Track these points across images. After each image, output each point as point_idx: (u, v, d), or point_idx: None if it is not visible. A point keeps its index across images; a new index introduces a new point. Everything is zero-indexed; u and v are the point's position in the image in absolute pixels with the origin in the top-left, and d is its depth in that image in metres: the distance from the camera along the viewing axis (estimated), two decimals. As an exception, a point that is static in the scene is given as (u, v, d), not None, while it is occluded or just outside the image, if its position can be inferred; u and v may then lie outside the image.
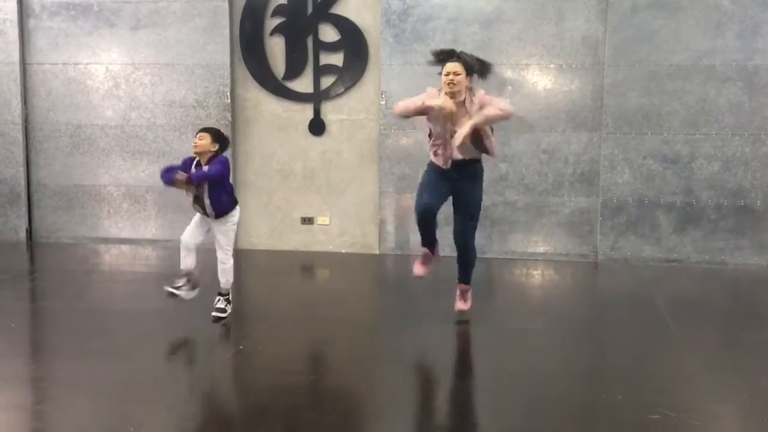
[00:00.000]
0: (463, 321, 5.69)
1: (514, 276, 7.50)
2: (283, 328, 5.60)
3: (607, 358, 5.10)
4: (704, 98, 7.77)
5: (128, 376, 4.52)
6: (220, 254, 5.69)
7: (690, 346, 5.17)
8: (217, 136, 5.63)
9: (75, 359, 4.84)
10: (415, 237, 8.22)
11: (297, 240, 8.71)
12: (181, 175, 5.41)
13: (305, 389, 4.43)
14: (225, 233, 5.68)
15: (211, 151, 5.58)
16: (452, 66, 5.24)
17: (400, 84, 8.18)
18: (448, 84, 5.21)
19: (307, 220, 8.67)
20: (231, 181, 5.76)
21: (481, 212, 5.68)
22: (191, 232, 5.67)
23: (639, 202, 7.97)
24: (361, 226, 8.58)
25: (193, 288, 5.70)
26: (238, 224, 5.84)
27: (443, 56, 5.33)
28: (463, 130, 5.14)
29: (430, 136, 5.48)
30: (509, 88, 8.03)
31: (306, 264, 8.18)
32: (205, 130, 5.66)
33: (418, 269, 5.75)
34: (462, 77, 5.23)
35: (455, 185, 5.47)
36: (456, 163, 5.40)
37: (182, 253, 5.67)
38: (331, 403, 4.22)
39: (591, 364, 4.97)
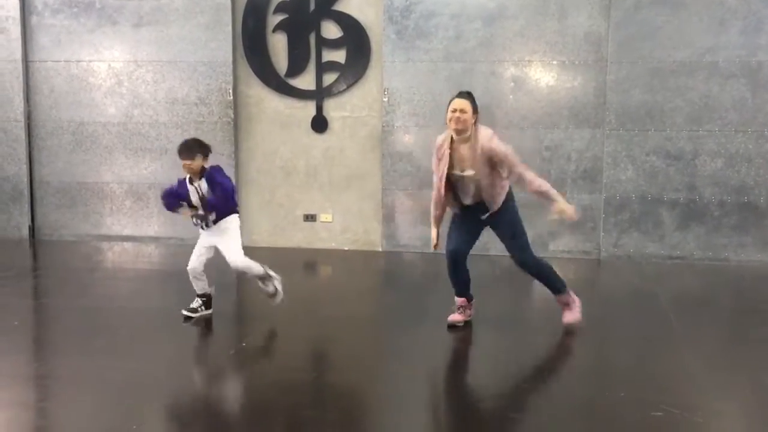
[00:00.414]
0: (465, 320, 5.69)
1: (517, 273, 7.47)
2: (285, 325, 5.60)
3: (610, 355, 5.09)
4: (707, 95, 7.75)
5: (131, 374, 4.52)
6: (235, 263, 5.55)
7: (693, 343, 5.16)
8: (202, 149, 5.46)
9: (78, 356, 4.85)
10: (417, 232, 8.25)
11: (300, 237, 8.71)
12: (195, 212, 5.40)
13: (308, 386, 4.43)
14: (228, 241, 5.55)
15: (202, 166, 5.47)
16: (459, 103, 5.11)
17: (403, 81, 8.18)
18: (455, 121, 5.09)
19: (310, 218, 8.67)
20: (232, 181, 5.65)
21: (522, 224, 5.48)
22: (197, 258, 5.58)
23: (642, 199, 7.95)
24: (363, 223, 8.58)
25: (208, 308, 5.66)
26: (240, 229, 5.70)
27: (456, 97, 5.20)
28: (565, 207, 5.30)
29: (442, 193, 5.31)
30: (512, 85, 8.03)
31: (309, 261, 8.18)
32: (184, 151, 5.42)
33: (452, 317, 5.50)
34: (468, 115, 5.09)
35: (485, 220, 5.33)
36: (472, 205, 5.30)
37: (192, 281, 5.61)
38: (333, 401, 4.22)
39: (594, 361, 4.96)
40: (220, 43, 8.46)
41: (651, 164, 7.90)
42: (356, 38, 8.34)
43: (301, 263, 8.12)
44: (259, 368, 4.79)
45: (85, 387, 4.33)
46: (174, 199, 5.51)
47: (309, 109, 8.53)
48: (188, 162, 5.39)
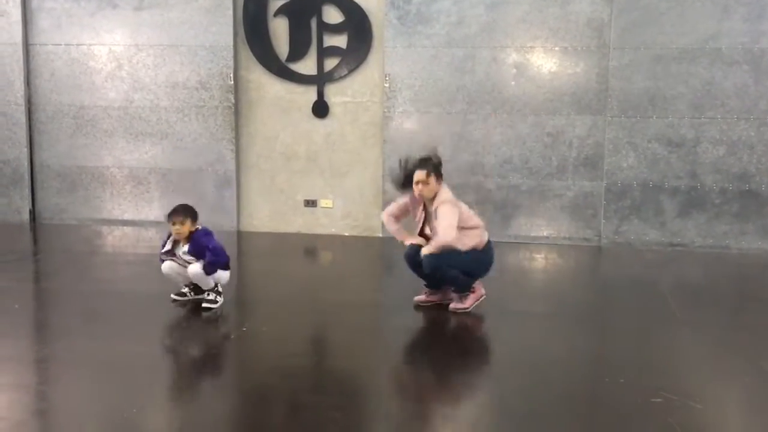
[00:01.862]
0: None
1: (518, 260, 7.49)
2: (285, 311, 5.60)
3: (610, 342, 5.10)
4: (710, 81, 7.73)
5: (131, 357, 4.52)
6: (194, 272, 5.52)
7: (693, 330, 5.17)
8: (192, 214, 5.51)
9: (78, 340, 4.85)
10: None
11: (300, 222, 8.70)
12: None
13: (308, 371, 4.43)
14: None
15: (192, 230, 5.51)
16: (419, 175, 5.36)
17: (404, 66, 8.15)
18: (418, 192, 5.37)
19: (311, 203, 8.66)
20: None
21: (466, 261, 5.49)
22: (170, 265, 5.61)
23: (643, 186, 7.94)
24: (364, 208, 8.57)
25: (197, 293, 5.66)
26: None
27: (413, 168, 5.42)
28: (425, 249, 5.35)
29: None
30: (514, 71, 8.00)
31: (309, 246, 8.18)
32: (178, 213, 5.49)
33: (418, 297, 5.71)
34: (431, 186, 5.34)
35: None
36: None
37: (172, 280, 5.65)
38: (333, 385, 4.22)
39: (594, 347, 4.96)
40: (221, 27, 8.43)
41: (652, 151, 7.89)
42: (358, 23, 8.30)
43: (301, 249, 8.12)
44: (259, 353, 4.79)
45: (86, 370, 4.34)
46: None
47: (310, 94, 8.50)
48: (179, 221, 5.45)
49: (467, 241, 5.40)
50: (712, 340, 5.07)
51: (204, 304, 5.53)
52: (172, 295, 5.65)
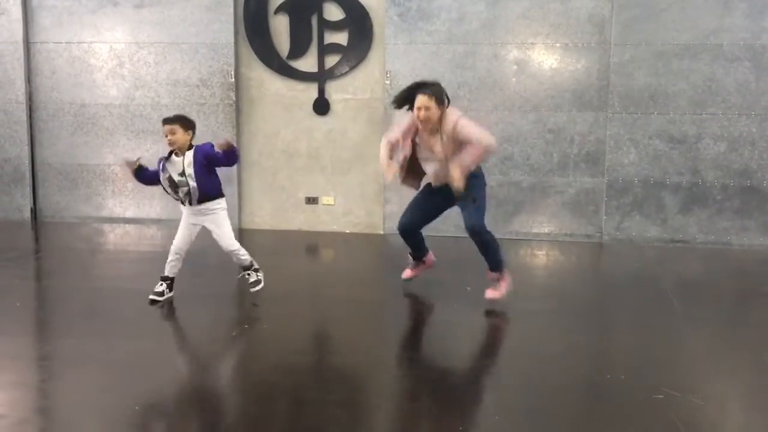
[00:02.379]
0: (466, 301, 5.70)
1: (519, 256, 7.49)
2: (287, 308, 5.60)
3: (612, 339, 5.10)
4: (711, 78, 7.72)
5: (133, 355, 4.53)
6: (227, 246, 5.56)
7: (695, 327, 5.17)
8: (186, 122, 5.39)
9: (80, 337, 4.86)
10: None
11: (301, 220, 8.70)
12: (224, 142, 5.24)
13: (310, 368, 4.44)
14: (219, 224, 5.53)
15: (187, 141, 5.40)
16: (422, 100, 5.20)
17: (405, 63, 8.14)
18: (419, 118, 5.22)
19: (312, 200, 8.66)
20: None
21: (486, 198, 5.53)
22: (183, 237, 5.55)
23: (645, 183, 7.94)
24: (365, 206, 8.57)
25: (171, 291, 5.62)
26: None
27: (411, 90, 5.31)
28: (456, 178, 5.14)
29: (407, 159, 5.46)
30: (515, 67, 7.99)
31: (310, 244, 8.18)
32: (170, 121, 5.36)
33: (405, 273, 5.84)
34: (433, 111, 5.19)
35: (449, 194, 5.41)
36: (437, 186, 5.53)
37: (172, 259, 5.57)
38: (335, 382, 4.23)
39: (595, 344, 4.96)
40: (222, 25, 8.42)
41: (654, 147, 7.88)
42: (358, 20, 8.29)
43: (302, 246, 8.12)
44: (261, 350, 4.80)
45: (88, 368, 4.34)
46: (143, 177, 5.55)
47: (311, 91, 8.50)
48: (170, 129, 5.29)
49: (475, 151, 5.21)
50: (714, 335, 5.07)
51: (252, 289, 5.61)
52: (151, 296, 5.53)
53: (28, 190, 8.96)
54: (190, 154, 5.40)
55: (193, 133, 5.45)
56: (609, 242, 8.04)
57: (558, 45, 7.93)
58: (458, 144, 5.21)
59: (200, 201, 5.46)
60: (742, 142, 7.74)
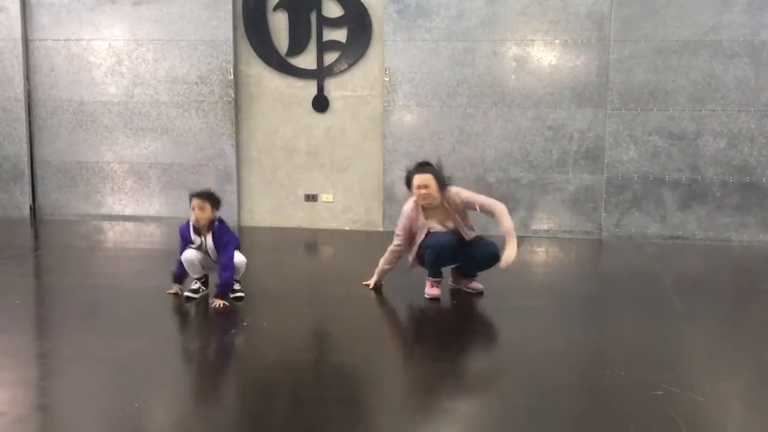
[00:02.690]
0: (466, 298, 5.70)
1: (518, 254, 7.46)
2: (286, 305, 5.60)
3: (611, 335, 5.10)
4: (711, 74, 7.71)
5: (133, 352, 4.53)
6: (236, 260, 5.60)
7: (694, 323, 5.16)
8: (214, 201, 5.51)
9: (80, 335, 4.85)
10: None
11: (301, 217, 8.70)
12: (220, 303, 5.44)
13: (309, 365, 4.43)
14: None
15: (212, 219, 5.51)
16: (421, 179, 5.42)
17: (404, 60, 8.14)
18: (421, 197, 5.45)
19: (311, 197, 8.65)
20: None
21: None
22: (192, 252, 5.59)
23: (644, 179, 7.94)
24: (365, 203, 8.57)
25: (207, 287, 5.68)
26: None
27: (415, 171, 5.54)
28: (512, 254, 5.41)
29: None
30: (514, 64, 7.99)
31: (310, 241, 8.18)
32: (201, 197, 5.48)
33: (432, 291, 5.68)
34: (433, 189, 5.43)
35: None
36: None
37: (188, 268, 5.62)
38: (334, 380, 4.22)
39: (595, 340, 4.96)
40: (221, 22, 8.41)
41: (653, 144, 7.88)
42: (357, 17, 8.28)
43: (302, 243, 8.12)
44: (260, 347, 4.79)
45: (87, 365, 4.34)
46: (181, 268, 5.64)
47: (310, 88, 8.49)
48: (200, 206, 5.43)
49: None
50: (714, 332, 5.07)
51: (234, 294, 5.63)
52: (186, 293, 5.59)
53: (28, 187, 8.96)
54: (210, 238, 5.53)
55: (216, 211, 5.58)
56: (608, 239, 8.04)
57: (557, 42, 7.93)
58: (464, 211, 5.58)
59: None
60: (741, 138, 7.74)
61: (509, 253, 5.41)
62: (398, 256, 5.75)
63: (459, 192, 5.55)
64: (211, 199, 5.51)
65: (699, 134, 7.81)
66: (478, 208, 5.53)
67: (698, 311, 5.49)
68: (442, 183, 5.52)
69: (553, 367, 4.36)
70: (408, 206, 5.61)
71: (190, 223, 5.56)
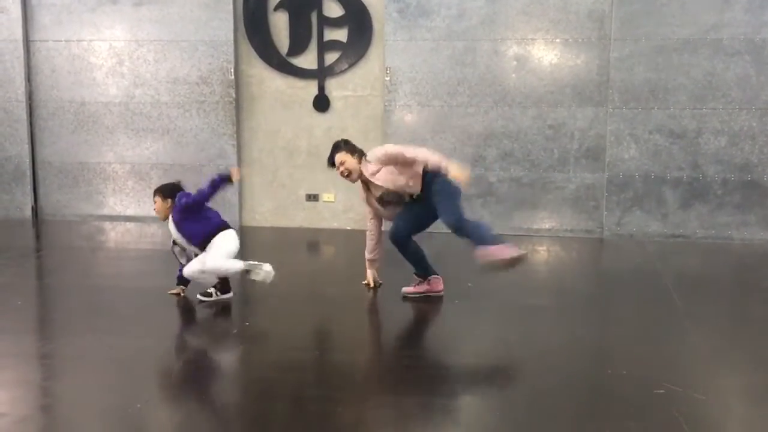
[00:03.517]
0: (467, 297, 5.71)
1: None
2: (288, 305, 5.61)
3: (613, 334, 5.10)
4: (711, 72, 7.71)
5: (135, 353, 4.53)
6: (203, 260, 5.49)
7: (696, 322, 5.16)
8: (165, 192, 5.53)
9: (82, 336, 4.86)
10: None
11: (302, 217, 8.70)
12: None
13: (311, 365, 4.44)
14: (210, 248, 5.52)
15: (169, 208, 5.51)
16: (337, 159, 5.59)
17: (405, 60, 8.14)
18: (342, 175, 5.61)
19: (312, 197, 8.66)
20: (209, 203, 5.58)
21: (453, 195, 5.53)
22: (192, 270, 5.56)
23: (645, 178, 7.93)
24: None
25: (224, 292, 5.62)
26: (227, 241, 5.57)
27: (332, 154, 5.65)
28: (455, 170, 5.33)
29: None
30: (515, 63, 7.98)
31: (311, 241, 8.19)
32: (154, 193, 5.60)
33: (406, 288, 5.74)
34: (350, 164, 5.56)
35: (423, 203, 5.58)
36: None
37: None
38: (336, 379, 4.23)
39: (596, 339, 4.97)
40: (222, 22, 8.41)
41: (654, 142, 7.88)
42: (358, 17, 8.29)
43: (303, 243, 8.12)
44: (262, 347, 4.80)
45: (89, 365, 4.35)
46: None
47: (311, 88, 8.49)
48: (154, 200, 5.57)
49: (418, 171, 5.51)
50: (715, 331, 5.07)
51: (200, 295, 5.56)
52: (198, 296, 5.58)
53: (29, 188, 8.96)
54: (171, 222, 5.55)
55: (172, 200, 5.52)
56: (610, 238, 8.04)
57: (558, 40, 7.92)
58: (391, 167, 5.51)
59: (202, 247, 5.51)
60: (742, 136, 7.74)
61: (455, 172, 5.30)
62: (373, 239, 5.84)
63: (376, 151, 5.57)
64: (160, 191, 5.55)
65: (700, 132, 7.80)
66: (400, 161, 5.45)
67: (699, 310, 5.49)
68: (359, 154, 5.60)
69: (554, 365, 4.36)
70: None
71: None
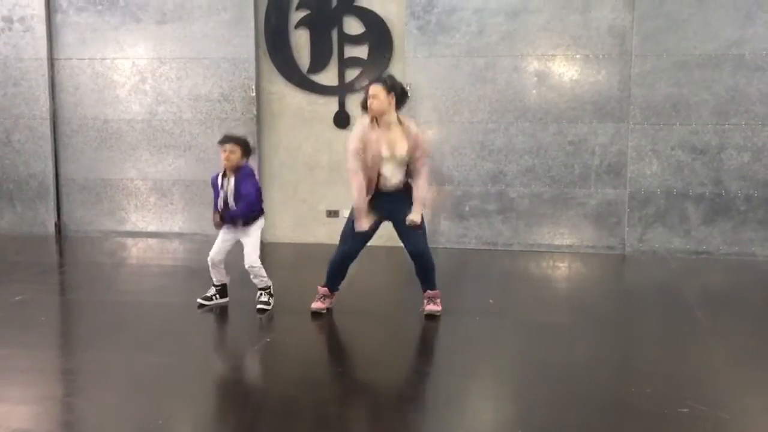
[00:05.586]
0: (488, 314, 5.69)
1: (541, 268, 7.46)
2: (309, 321, 5.61)
3: (636, 351, 5.06)
4: (734, 88, 7.66)
5: (157, 368, 4.55)
6: (251, 263, 5.69)
7: (720, 339, 5.11)
8: (246, 148, 5.66)
9: (104, 351, 4.89)
10: (440, 227, 8.22)
11: (322, 233, 8.71)
12: (218, 220, 5.62)
13: (332, 382, 4.44)
14: (251, 235, 5.72)
15: (239, 162, 5.62)
16: (372, 89, 5.38)
17: (425, 76, 8.16)
18: (371, 103, 5.34)
19: (333, 213, 8.67)
20: (258, 179, 5.76)
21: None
22: (218, 249, 5.73)
23: (667, 194, 7.88)
24: (386, 218, 8.55)
25: (224, 297, 5.84)
26: (262, 229, 5.88)
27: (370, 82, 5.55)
28: (416, 216, 5.47)
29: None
30: (535, 79, 7.98)
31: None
32: (233, 140, 5.63)
33: (317, 305, 5.71)
34: (382, 98, 5.32)
35: (387, 208, 5.56)
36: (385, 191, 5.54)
37: (211, 270, 5.80)
38: (358, 396, 4.22)
39: (619, 357, 4.93)
40: (243, 40, 8.48)
41: (676, 158, 7.83)
42: (378, 34, 8.33)
43: (324, 259, 8.09)
44: (283, 363, 4.80)
45: (112, 381, 4.37)
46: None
47: (331, 104, 8.53)
48: (231, 149, 5.56)
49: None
50: (740, 348, 5.01)
51: (258, 306, 5.69)
52: (198, 300, 5.70)
53: (53, 204, 9.05)
54: (232, 181, 5.64)
55: (247, 158, 5.69)
56: (632, 254, 7.98)
57: (578, 56, 7.91)
58: (412, 149, 5.42)
59: (245, 224, 5.68)
60: (765, 152, 7.67)
61: (414, 217, 5.45)
62: (365, 181, 5.44)
63: (418, 126, 5.55)
64: (243, 145, 5.65)
65: (722, 148, 7.75)
66: (418, 149, 5.42)
67: (724, 327, 5.43)
68: (392, 91, 5.39)
69: (577, 383, 4.33)
70: (361, 125, 5.50)
71: (219, 174, 5.71)
